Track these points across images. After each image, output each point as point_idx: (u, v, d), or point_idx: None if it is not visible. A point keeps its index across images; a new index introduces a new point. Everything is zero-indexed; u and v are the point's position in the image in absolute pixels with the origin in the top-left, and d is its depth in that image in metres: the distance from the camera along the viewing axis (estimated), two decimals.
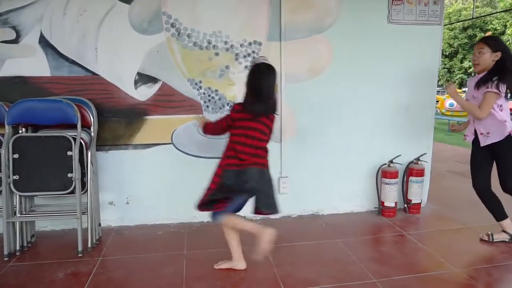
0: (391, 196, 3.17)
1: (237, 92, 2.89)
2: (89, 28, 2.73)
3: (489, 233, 2.70)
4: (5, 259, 2.39)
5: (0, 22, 2.62)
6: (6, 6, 2.62)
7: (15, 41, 2.66)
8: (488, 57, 2.46)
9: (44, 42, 2.69)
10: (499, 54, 2.44)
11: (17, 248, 2.48)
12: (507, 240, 2.66)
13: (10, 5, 2.62)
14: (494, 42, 2.49)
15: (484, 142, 2.55)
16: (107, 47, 2.77)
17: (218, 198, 2.18)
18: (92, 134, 2.64)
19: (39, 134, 2.53)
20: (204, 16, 2.83)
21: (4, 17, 2.62)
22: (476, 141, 2.62)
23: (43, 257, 2.46)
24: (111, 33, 2.75)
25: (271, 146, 3.06)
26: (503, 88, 2.40)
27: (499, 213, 2.68)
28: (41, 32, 2.68)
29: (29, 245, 2.61)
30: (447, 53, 22.36)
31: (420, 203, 3.29)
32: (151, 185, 2.95)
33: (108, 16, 2.74)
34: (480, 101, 2.48)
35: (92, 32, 2.74)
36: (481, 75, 2.52)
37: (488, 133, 2.53)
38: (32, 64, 2.70)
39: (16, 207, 2.51)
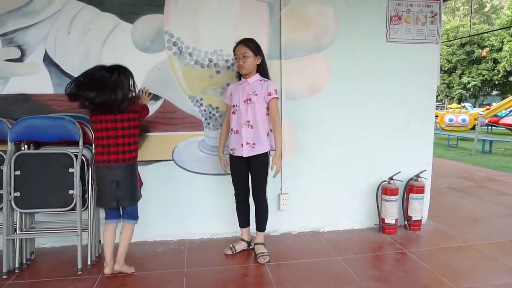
0: (392, 213, 3.16)
1: None
2: (93, 47, 2.78)
3: (231, 246, 2.81)
4: (4, 276, 2.37)
5: (6, 41, 2.67)
6: (12, 25, 2.67)
7: (20, 59, 2.71)
8: (252, 61, 2.54)
9: (48, 60, 2.74)
10: (260, 58, 2.57)
11: (16, 265, 2.47)
12: (246, 248, 2.83)
13: (16, 24, 2.68)
14: (255, 45, 2.56)
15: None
16: None
17: None
18: (94, 151, 2.65)
19: (40, 151, 2.55)
20: (206, 35, 2.88)
21: (10, 36, 2.68)
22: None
23: (42, 275, 2.44)
24: (114, 52, 2.80)
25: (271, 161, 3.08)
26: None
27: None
28: (45, 51, 2.73)
29: (29, 262, 2.59)
30: (445, 68, 22.61)
31: (420, 220, 3.28)
32: (151, 201, 2.95)
33: (111, 35, 2.80)
34: (260, 104, 2.53)
35: (96, 51, 2.79)
36: (253, 79, 2.57)
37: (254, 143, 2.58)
38: (35, 81, 2.73)
39: (16, 224, 2.51)
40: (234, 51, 2.57)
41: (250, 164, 2.61)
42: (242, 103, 2.55)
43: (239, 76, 2.66)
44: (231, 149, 2.65)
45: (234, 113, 2.60)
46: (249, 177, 2.70)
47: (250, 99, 2.53)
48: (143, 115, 2.54)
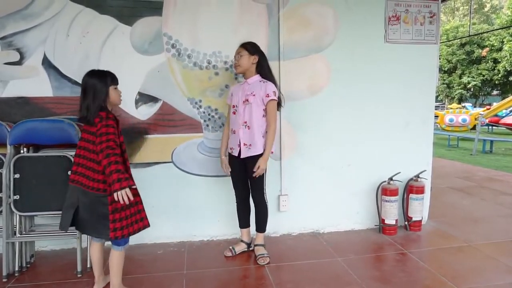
0: (392, 213, 3.15)
1: None
2: (92, 49, 2.79)
3: (231, 247, 2.79)
4: (4, 280, 2.37)
5: (5, 44, 2.68)
6: (11, 28, 2.68)
7: (19, 62, 2.71)
8: (247, 60, 2.54)
9: (47, 63, 2.74)
10: (256, 57, 2.56)
11: (16, 268, 2.46)
12: (246, 249, 2.82)
13: (15, 27, 2.68)
14: (251, 45, 2.58)
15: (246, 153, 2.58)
16: (109, 67, 2.74)
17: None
18: None
19: (40, 154, 2.55)
20: (204, 37, 2.88)
21: (9, 40, 2.68)
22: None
23: (42, 278, 2.44)
24: (113, 54, 2.80)
25: (271, 163, 3.09)
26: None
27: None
28: (44, 54, 2.74)
29: (28, 265, 2.59)
30: (446, 68, 22.59)
31: (421, 221, 3.27)
32: (151, 203, 2.94)
33: (110, 37, 2.80)
34: (257, 105, 2.53)
35: (95, 53, 2.79)
36: (252, 79, 2.57)
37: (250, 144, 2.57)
38: (35, 84, 2.74)
39: (16, 227, 2.51)
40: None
41: (247, 166, 2.60)
42: (241, 103, 2.56)
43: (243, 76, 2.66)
44: (230, 149, 2.67)
45: (234, 113, 2.62)
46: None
47: (247, 100, 2.53)
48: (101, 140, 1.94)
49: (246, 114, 2.55)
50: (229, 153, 2.70)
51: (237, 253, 2.78)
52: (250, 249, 2.82)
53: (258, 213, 2.73)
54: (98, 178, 1.97)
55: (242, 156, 2.58)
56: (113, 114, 2.04)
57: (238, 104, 2.58)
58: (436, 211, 3.60)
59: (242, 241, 2.83)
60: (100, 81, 2.03)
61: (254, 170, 2.52)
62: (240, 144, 2.57)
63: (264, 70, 2.60)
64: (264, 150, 2.55)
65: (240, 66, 2.55)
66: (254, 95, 2.53)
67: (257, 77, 2.58)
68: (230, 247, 2.79)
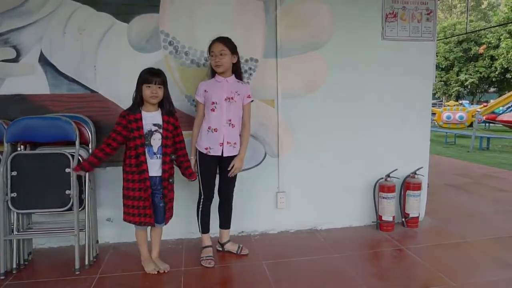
0: (389, 210, 3.17)
1: None
2: (88, 47, 2.78)
3: (209, 258, 2.61)
4: (1, 277, 2.37)
5: (1, 41, 2.67)
6: (7, 26, 2.67)
7: (15, 60, 2.70)
8: (229, 59, 2.48)
9: (43, 60, 2.73)
10: (236, 56, 2.53)
11: (14, 266, 2.46)
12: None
13: (11, 25, 2.67)
14: (232, 44, 2.51)
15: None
16: (105, 65, 2.81)
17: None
18: (90, 151, 2.65)
19: (37, 151, 2.55)
20: (202, 34, 2.87)
21: (5, 37, 2.67)
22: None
23: (40, 275, 2.44)
24: (109, 52, 2.79)
25: (269, 160, 3.09)
26: None
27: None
28: (41, 51, 2.73)
29: (26, 263, 2.59)
30: (443, 66, 22.64)
31: (418, 217, 3.29)
32: None
33: (107, 35, 2.79)
34: (239, 104, 2.53)
35: (91, 51, 2.78)
36: (231, 79, 2.53)
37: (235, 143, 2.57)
38: (31, 82, 2.73)
39: (13, 225, 2.50)
40: (210, 48, 2.48)
41: (225, 164, 2.55)
42: (223, 100, 2.48)
43: (213, 73, 2.55)
44: (206, 148, 2.51)
45: (213, 111, 2.49)
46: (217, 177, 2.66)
47: (232, 98, 2.48)
48: None
49: (230, 112, 2.49)
50: (202, 153, 2.54)
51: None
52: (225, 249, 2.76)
53: (228, 211, 2.72)
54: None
55: (225, 155, 2.52)
56: (126, 111, 2.37)
57: (220, 101, 2.47)
58: (433, 208, 3.62)
59: (207, 246, 2.68)
60: (138, 79, 2.35)
61: (229, 169, 2.53)
62: (223, 143, 2.51)
63: (239, 71, 2.59)
64: (240, 149, 2.57)
65: (222, 65, 2.44)
66: (239, 94, 2.51)
67: (233, 77, 2.54)
68: (209, 258, 2.59)
